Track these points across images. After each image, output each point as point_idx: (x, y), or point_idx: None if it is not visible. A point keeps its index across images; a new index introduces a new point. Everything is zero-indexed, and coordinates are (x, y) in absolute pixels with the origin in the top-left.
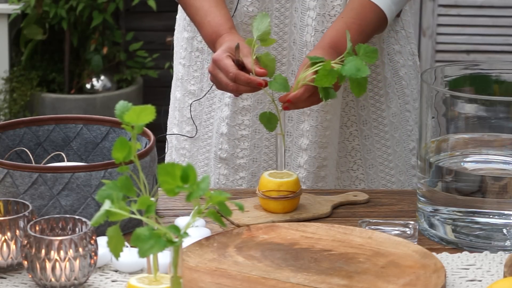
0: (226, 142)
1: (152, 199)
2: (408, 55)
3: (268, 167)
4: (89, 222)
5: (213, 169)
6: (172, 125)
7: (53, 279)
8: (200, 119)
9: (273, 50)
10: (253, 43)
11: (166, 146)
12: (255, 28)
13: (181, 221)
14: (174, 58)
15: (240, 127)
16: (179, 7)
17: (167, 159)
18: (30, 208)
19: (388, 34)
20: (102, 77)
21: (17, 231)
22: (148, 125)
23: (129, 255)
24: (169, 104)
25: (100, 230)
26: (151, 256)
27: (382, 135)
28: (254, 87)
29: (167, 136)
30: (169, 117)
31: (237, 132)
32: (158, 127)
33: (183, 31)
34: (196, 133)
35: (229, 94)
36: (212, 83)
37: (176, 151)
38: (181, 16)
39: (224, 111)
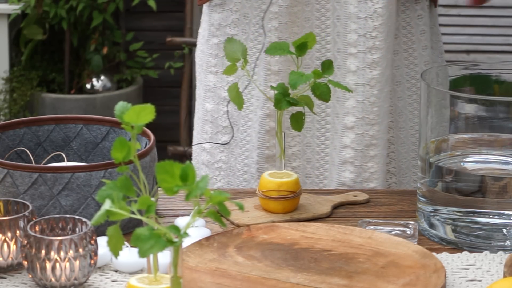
0: (275, 136)
1: (152, 199)
2: (438, 53)
3: (320, 151)
4: (89, 222)
5: (257, 173)
6: (203, 140)
7: (53, 279)
8: (237, 124)
9: (315, 28)
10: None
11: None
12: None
13: (181, 221)
14: (198, 72)
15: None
16: (204, 18)
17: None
18: (30, 208)
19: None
20: (102, 77)
21: (17, 231)
22: (148, 125)
23: (129, 255)
24: (169, 105)
25: (100, 230)
26: (151, 256)
27: (417, 128)
28: None
29: (192, 154)
30: (196, 133)
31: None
32: (158, 127)
33: (211, 38)
34: (232, 138)
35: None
36: (247, 84)
37: (208, 167)
38: (208, 22)
39: (270, 106)
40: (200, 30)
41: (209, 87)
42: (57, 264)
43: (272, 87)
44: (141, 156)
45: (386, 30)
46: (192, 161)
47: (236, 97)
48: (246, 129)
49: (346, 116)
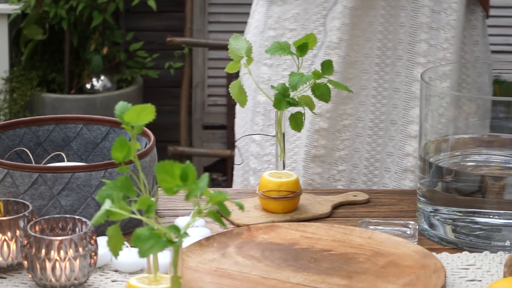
0: (324, 137)
1: (152, 199)
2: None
3: (370, 158)
4: (89, 222)
5: (303, 170)
6: (252, 132)
7: (53, 279)
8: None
9: (376, 50)
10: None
11: (237, 156)
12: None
13: (181, 221)
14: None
15: (341, 117)
16: (255, 7)
17: (239, 171)
18: (30, 208)
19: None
20: (102, 77)
21: (17, 231)
22: (148, 125)
23: (129, 255)
24: (169, 105)
25: (100, 230)
26: (151, 256)
27: None
28: None
29: (239, 146)
30: (244, 123)
31: (338, 123)
32: (158, 127)
33: (267, 30)
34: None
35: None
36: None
37: (258, 159)
38: (265, 14)
39: (322, 106)
40: (253, 21)
41: (262, 79)
42: (57, 264)
43: (272, 86)
44: (141, 156)
45: (457, 42)
46: (239, 151)
47: (239, 94)
48: None
49: (410, 124)
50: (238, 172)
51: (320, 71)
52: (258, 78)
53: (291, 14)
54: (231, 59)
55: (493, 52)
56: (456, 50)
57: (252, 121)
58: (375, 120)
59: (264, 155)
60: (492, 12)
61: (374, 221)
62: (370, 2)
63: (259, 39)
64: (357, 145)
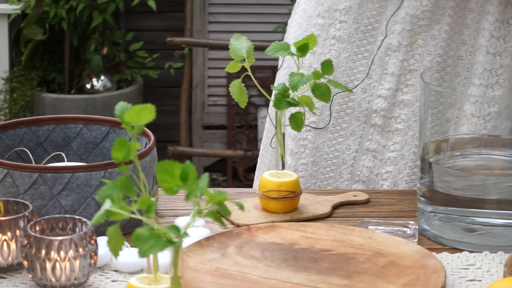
0: (379, 133)
1: (152, 199)
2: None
3: (414, 167)
4: (89, 222)
5: (353, 161)
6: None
7: (53, 279)
8: (332, 110)
9: (439, 49)
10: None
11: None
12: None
13: (181, 221)
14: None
15: (396, 120)
16: None
17: (266, 154)
18: (30, 208)
19: None
20: (102, 77)
21: (17, 231)
22: (148, 125)
23: (129, 255)
24: (169, 105)
25: (100, 230)
26: (151, 256)
27: None
28: None
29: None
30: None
31: (392, 125)
32: (158, 127)
33: (315, 18)
34: (329, 123)
35: (386, 86)
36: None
37: (295, 142)
38: (317, 2)
39: (378, 103)
40: (301, 2)
41: (303, 65)
42: (57, 264)
43: (272, 86)
44: (141, 156)
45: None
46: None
47: (239, 94)
48: (343, 116)
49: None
50: (266, 154)
51: (321, 71)
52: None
53: (343, 6)
54: (232, 59)
55: None
56: (510, 77)
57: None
58: (462, 112)
59: (301, 139)
60: None
61: (374, 221)
62: (435, 16)
63: (306, 23)
64: (404, 152)
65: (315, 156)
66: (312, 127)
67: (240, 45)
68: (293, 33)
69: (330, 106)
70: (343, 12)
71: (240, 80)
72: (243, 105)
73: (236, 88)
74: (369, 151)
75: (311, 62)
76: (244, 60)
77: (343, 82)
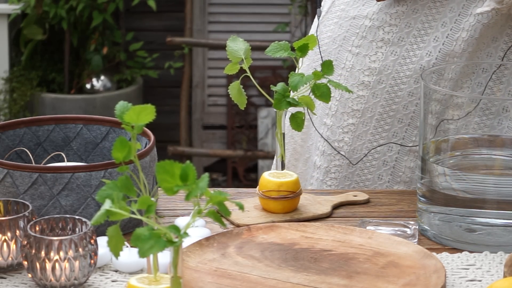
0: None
1: (152, 199)
2: None
3: None
4: (89, 222)
5: (395, 162)
6: (322, 115)
7: (53, 279)
8: (372, 111)
9: (495, 67)
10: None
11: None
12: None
13: (181, 221)
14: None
15: (448, 121)
16: None
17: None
18: (30, 208)
19: None
20: (102, 77)
21: (17, 231)
22: (148, 125)
23: (129, 255)
24: (169, 105)
25: (100, 230)
26: (151, 256)
27: None
28: None
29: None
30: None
31: (442, 125)
32: (158, 127)
33: (361, 19)
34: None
35: (442, 92)
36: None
37: (328, 144)
38: (360, 1)
39: (432, 105)
40: (338, 2)
41: (343, 65)
42: (57, 264)
43: (272, 86)
44: (141, 156)
45: None
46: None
47: (238, 95)
48: (386, 118)
49: None
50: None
51: (321, 72)
52: (336, 63)
53: (395, 10)
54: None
55: None
56: None
57: (325, 105)
58: (478, 131)
59: (336, 140)
60: None
61: (374, 221)
62: (502, 21)
63: (348, 23)
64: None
65: (352, 158)
66: (408, 146)
67: (237, 46)
68: (329, 33)
69: (360, 109)
70: (394, 16)
71: (239, 81)
72: (242, 106)
73: (235, 90)
74: (411, 151)
75: (353, 63)
76: (242, 61)
77: (388, 86)
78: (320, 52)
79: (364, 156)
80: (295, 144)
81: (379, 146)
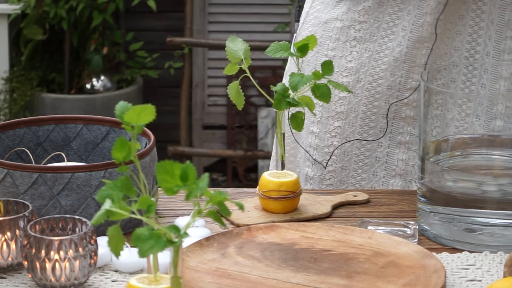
0: (410, 124)
1: (152, 199)
2: None
3: None
4: (89, 222)
5: (388, 156)
6: (307, 125)
7: (53, 279)
8: (355, 111)
9: (466, 44)
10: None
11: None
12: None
13: (181, 221)
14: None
15: (432, 106)
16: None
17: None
18: (30, 208)
19: None
20: (102, 77)
21: (17, 231)
22: (148, 125)
23: (129, 255)
24: (169, 105)
25: (100, 230)
26: (151, 256)
27: None
28: None
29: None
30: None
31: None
32: (158, 127)
33: (332, 22)
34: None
35: (416, 78)
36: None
37: (317, 151)
38: (330, 5)
39: (410, 95)
40: (312, 11)
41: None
42: (57, 264)
43: (272, 86)
44: (141, 156)
45: None
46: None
47: (236, 96)
48: (370, 115)
49: (493, 120)
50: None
51: (321, 72)
52: (314, 70)
53: (361, 6)
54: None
55: None
56: None
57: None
58: (461, 113)
59: (325, 146)
60: None
61: (374, 221)
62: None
63: (321, 30)
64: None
65: (344, 161)
66: (367, 140)
67: (237, 47)
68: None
69: (387, 115)
70: (362, 12)
71: (237, 82)
72: (240, 107)
73: (234, 90)
74: (401, 143)
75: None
76: (241, 61)
77: (367, 83)
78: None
79: (330, 158)
80: (286, 160)
81: (342, 144)
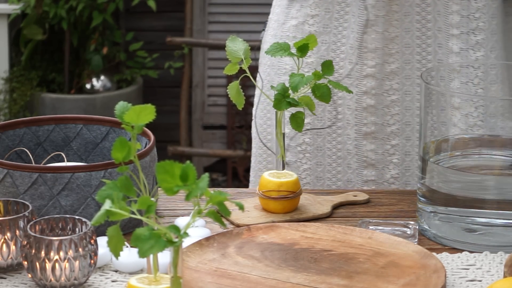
0: (373, 113)
1: (152, 199)
2: None
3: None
4: (89, 222)
5: (356, 149)
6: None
7: (53, 279)
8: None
9: (416, 23)
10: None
11: (253, 152)
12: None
13: (181, 221)
14: (263, 56)
15: (388, 93)
16: (275, 3)
17: (259, 165)
18: (30, 208)
19: None
20: (102, 77)
21: (17, 231)
22: (148, 125)
23: (129, 255)
24: (169, 105)
25: (100, 230)
26: (151, 256)
27: None
28: None
29: (259, 141)
30: (263, 115)
31: (385, 99)
32: (158, 127)
33: (289, 21)
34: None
35: (371, 63)
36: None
37: (290, 151)
38: (285, 6)
39: (367, 83)
40: (273, 16)
41: (285, 70)
42: (57, 264)
43: (272, 87)
44: (141, 156)
45: (490, 11)
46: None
47: (236, 96)
48: (336, 107)
49: (452, 97)
50: (257, 166)
51: (321, 72)
52: (279, 70)
53: (312, 1)
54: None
55: None
56: (489, 19)
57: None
58: (461, 113)
59: (297, 145)
60: None
61: (374, 221)
62: (404, 9)
63: (280, 32)
64: (407, 119)
65: (318, 156)
66: (320, 128)
67: (237, 46)
68: (269, 44)
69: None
70: (313, 6)
71: (238, 82)
72: (240, 106)
73: (234, 90)
74: (367, 134)
75: (292, 65)
76: (241, 61)
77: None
78: (260, 76)
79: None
80: (269, 164)
81: (294, 136)
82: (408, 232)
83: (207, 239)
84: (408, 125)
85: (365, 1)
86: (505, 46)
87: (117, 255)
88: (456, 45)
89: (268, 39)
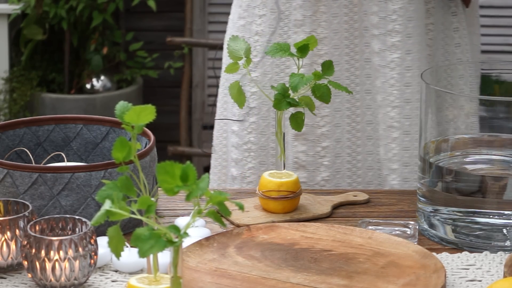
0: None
1: (152, 199)
2: (474, 52)
3: (351, 130)
4: (89, 222)
5: (290, 146)
6: (229, 120)
7: (53, 279)
8: (267, 104)
9: (344, 24)
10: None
11: (213, 152)
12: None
13: (181, 221)
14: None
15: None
16: (233, 6)
17: (216, 161)
18: (30, 208)
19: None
20: (102, 77)
21: (17, 231)
22: (148, 125)
23: (129, 255)
24: (169, 105)
25: (100, 230)
26: (151, 256)
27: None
28: None
29: (215, 142)
30: (220, 113)
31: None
32: (158, 127)
33: (238, 20)
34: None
35: (300, 63)
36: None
37: (238, 149)
38: (237, 5)
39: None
40: (231, 16)
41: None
42: (57, 264)
43: (272, 87)
44: (141, 156)
45: (406, 14)
46: (215, 141)
47: (237, 95)
48: (267, 101)
49: (377, 94)
50: (215, 162)
51: (321, 72)
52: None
53: (260, 1)
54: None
55: (493, 52)
56: (405, 21)
57: (231, 112)
58: (461, 112)
59: (243, 144)
60: (492, 12)
61: (374, 221)
62: (332, 10)
63: (235, 31)
64: (337, 120)
65: (261, 156)
66: (235, 120)
67: (238, 46)
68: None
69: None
70: (261, 6)
71: (238, 81)
72: (241, 106)
73: (235, 90)
74: (298, 135)
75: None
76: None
77: (274, 75)
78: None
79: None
80: (225, 161)
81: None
82: (408, 232)
83: (207, 239)
84: (338, 127)
85: (277, 3)
86: (421, 49)
87: (118, 255)
88: (377, 45)
89: (227, 40)
